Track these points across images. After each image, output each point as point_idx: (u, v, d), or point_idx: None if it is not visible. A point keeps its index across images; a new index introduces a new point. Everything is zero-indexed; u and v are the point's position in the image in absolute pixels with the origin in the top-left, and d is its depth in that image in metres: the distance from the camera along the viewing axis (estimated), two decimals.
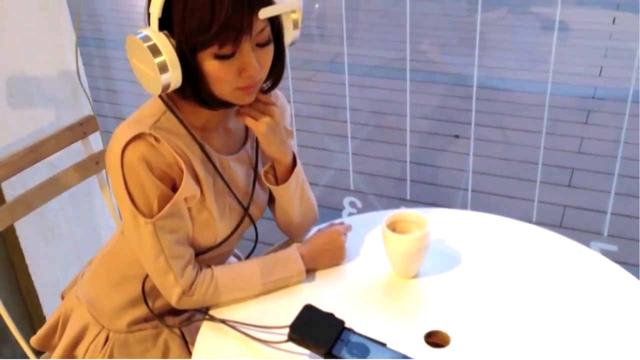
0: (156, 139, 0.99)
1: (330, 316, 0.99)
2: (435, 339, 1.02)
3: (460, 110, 3.34)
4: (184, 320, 1.17)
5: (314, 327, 0.96)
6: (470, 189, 2.40)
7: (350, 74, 2.42)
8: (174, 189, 1.02)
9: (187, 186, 1.01)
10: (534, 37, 4.26)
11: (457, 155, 2.93)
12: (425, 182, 2.72)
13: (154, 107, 1.03)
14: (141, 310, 1.14)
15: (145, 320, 1.15)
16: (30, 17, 1.64)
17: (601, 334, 1.01)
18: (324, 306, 1.00)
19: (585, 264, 1.17)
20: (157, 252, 1.01)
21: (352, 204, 2.41)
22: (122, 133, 0.99)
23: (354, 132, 2.64)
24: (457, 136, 3.09)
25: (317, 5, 4.94)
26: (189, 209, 1.05)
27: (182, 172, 1.00)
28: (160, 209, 1.00)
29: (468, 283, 1.12)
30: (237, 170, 1.12)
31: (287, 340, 0.96)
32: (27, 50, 1.65)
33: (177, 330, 1.16)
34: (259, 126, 1.04)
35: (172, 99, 1.02)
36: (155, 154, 0.98)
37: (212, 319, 1.07)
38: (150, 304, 1.14)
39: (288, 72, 2.26)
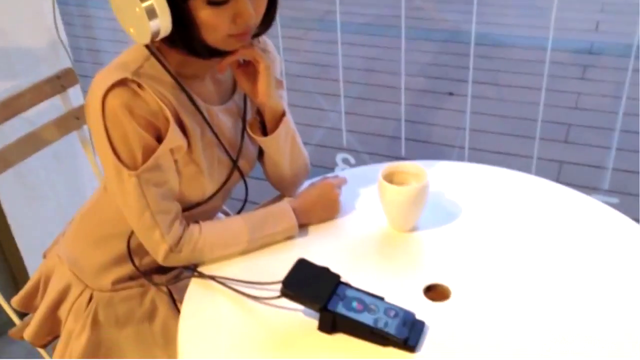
0: (139, 86, 0.92)
1: (325, 270, 0.94)
2: (435, 293, 0.98)
3: (455, 67, 3.27)
4: (171, 278, 1.12)
5: (308, 282, 0.92)
6: (467, 146, 2.35)
7: (342, 32, 2.33)
8: (159, 139, 0.95)
9: (174, 136, 0.95)
10: None
11: (452, 113, 2.87)
12: (419, 140, 2.67)
13: (135, 53, 0.96)
14: (126, 269, 1.09)
15: (131, 278, 1.10)
16: None
17: (605, 284, 0.97)
18: (318, 261, 0.95)
19: (587, 213, 1.12)
20: (142, 206, 0.96)
21: (345, 161, 2.35)
22: (102, 80, 0.92)
23: (347, 90, 2.57)
24: (451, 94, 3.02)
25: None
26: (175, 162, 0.99)
27: (168, 121, 0.94)
28: (144, 160, 0.94)
29: (467, 235, 1.08)
30: (225, 122, 1.06)
31: (279, 296, 0.91)
32: (3, 3, 1.56)
33: (164, 289, 1.11)
34: (264, 58, 0.99)
35: (156, 48, 0.96)
36: (138, 101, 0.92)
37: (201, 275, 1.02)
38: (136, 262, 1.08)
39: (278, 31, 2.17)
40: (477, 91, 2.85)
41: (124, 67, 0.94)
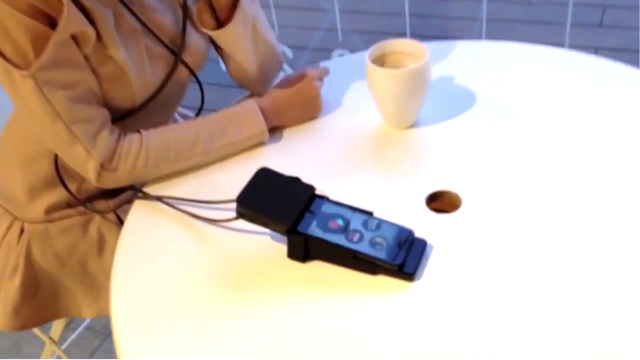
0: None
1: (294, 181, 0.73)
2: (441, 203, 0.76)
3: None
4: (120, 202, 0.92)
5: (271, 197, 0.71)
6: (484, 38, 2.06)
7: None
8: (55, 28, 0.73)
9: (71, 20, 0.72)
10: None
11: (468, 3, 2.55)
12: (430, 37, 2.38)
13: None
14: (61, 193, 0.89)
15: (69, 205, 0.90)
16: None
17: None
18: (295, 173, 0.74)
19: (631, 87, 0.88)
20: (50, 116, 0.75)
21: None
22: None
23: None
24: None
25: None
26: (87, 59, 0.76)
27: (61, 2, 0.71)
28: (37, 54, 0.71)
29: (482, 130, 0.85)
30: (156, 7, 0.83)
31: (236, 217, 0.71)
32: None
33: (111, 216, 0.91)
34: None
35: None
36: None
37: (146, 196, 0.82)
38: (74, 187, 0.89)
39: None
40: None
41: None
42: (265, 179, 0.72)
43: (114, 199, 0.91)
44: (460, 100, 0.90)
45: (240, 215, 0.70)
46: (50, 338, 1.12)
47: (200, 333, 0.64)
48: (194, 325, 0.65)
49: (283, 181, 0.72)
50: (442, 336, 0.61)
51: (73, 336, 1.39)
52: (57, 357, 1.20)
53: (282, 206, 0.70)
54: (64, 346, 1.34)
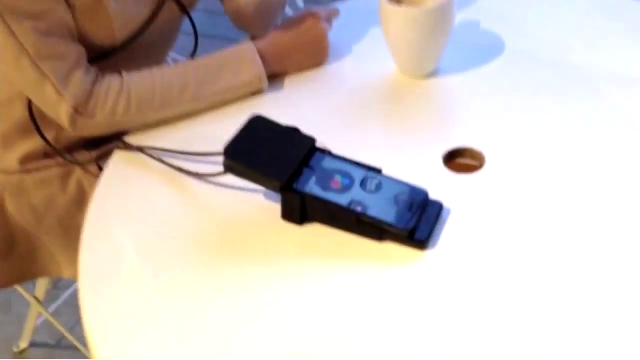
0: None
1: (292, 132, 0.64)
2: (461, 161, 0.67)
3: None
4: (103, 154, 0.83)
5: (264, 149, 0.62)
6: None
7: None
8: None
9: None
10: None
11: None
12: None
13: None
14: (37, 141, 0.80)
15: (47, 155, 0.82)
16: None
17: None
18: (296, 124, 0.64)
19: None
20: (15, 50, 0.66)
21: None
22: None
23: None
24: None
25: None
26: None
27: None
28: None
29: (508, 81, 0.76)
30: None
31: (224, 172, 0.62)
32: None
33: (93, 169, 0.83)
34: None
35: None
36: None
37: (127, 146, 0.73)
38: (51, 134, 0.80)
39: None
40: None
41: None
42: (258, 128, 0.63)
43: (97, 149, 0.83)
44: (485, 48, 0.80)
45: (228, 169, 0.61)
46: (35, 297, 1.06)
47: (180, 303, 0.56)
48: (173, 294, 0.57)
49: (279, 131, 0.63)
50: (456, 312, 0.52)
51: (65, 295, 1.33)
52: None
53: (276, 160, 0.61)
54: (55, 305, 1.28)
